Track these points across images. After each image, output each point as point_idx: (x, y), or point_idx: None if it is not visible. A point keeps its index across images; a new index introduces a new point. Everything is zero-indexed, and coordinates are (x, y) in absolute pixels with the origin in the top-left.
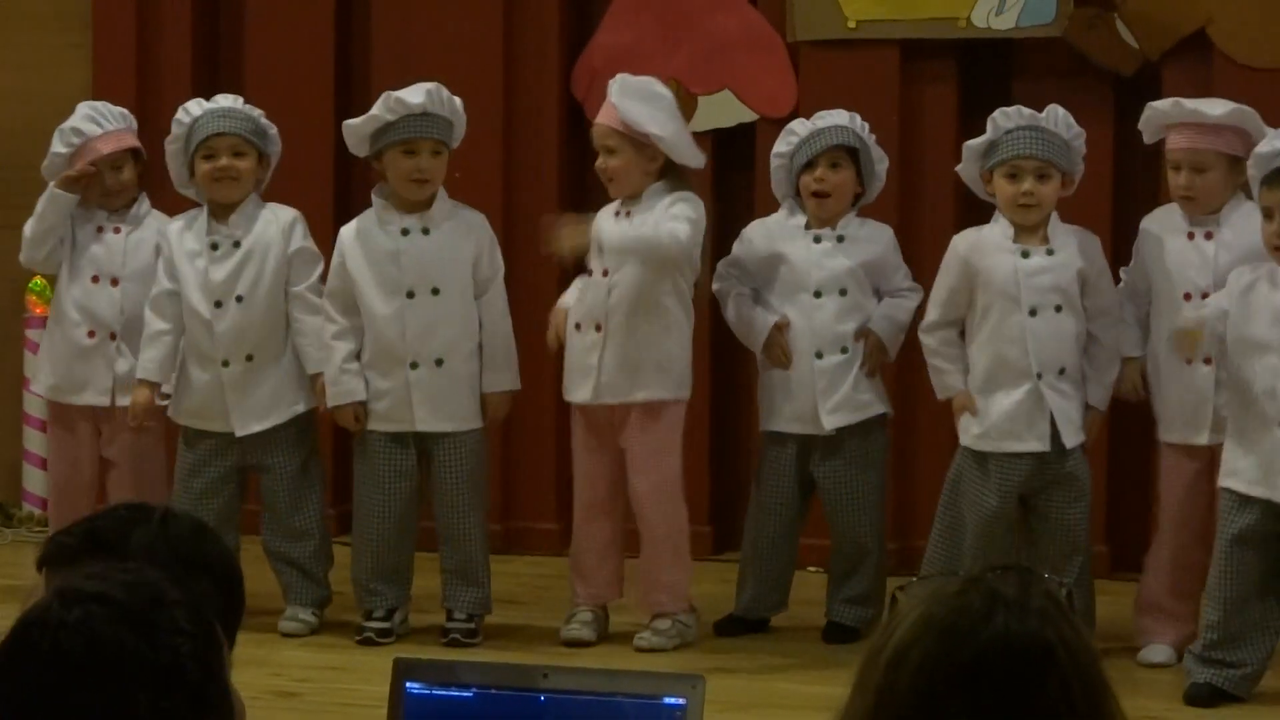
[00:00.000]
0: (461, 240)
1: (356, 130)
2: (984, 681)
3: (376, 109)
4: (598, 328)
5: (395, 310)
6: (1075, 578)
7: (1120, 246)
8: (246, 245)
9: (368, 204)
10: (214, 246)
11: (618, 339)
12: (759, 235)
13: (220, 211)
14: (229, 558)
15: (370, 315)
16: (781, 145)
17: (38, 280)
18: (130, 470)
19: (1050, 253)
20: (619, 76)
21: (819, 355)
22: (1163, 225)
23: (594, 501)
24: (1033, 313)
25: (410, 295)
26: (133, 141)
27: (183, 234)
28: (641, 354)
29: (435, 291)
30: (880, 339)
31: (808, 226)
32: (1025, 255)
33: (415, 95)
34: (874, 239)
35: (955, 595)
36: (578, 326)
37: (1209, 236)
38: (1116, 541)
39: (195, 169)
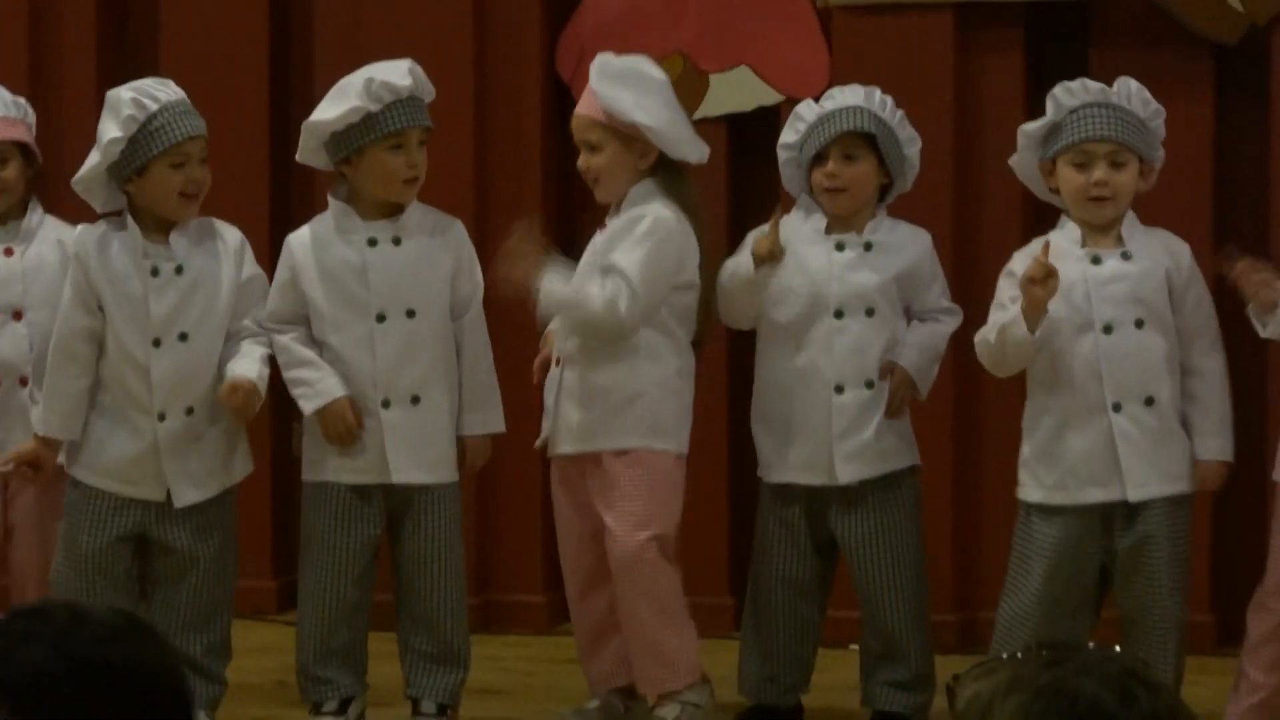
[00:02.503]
0: (439, 252)
1: (327, 127)
2: None
3: (358, 99)
4: (558, 361)
5: (362, 336)
6: (1165, 653)
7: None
8: (191, 272)
9: (308, 215)
10: (154, 272)
11: (574, 374)
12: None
13: (154, 228)
14: (170, 671)
15: (330, 343)
16: (788, 134)
17: None
18: (34, 535)
19: (1126, 256)
20: (600, 57)
21: (839, 389)
22: None
23: (583, 570)
24: (1108, 329)
25: (381, 318)
26: (23, 134)
27: (103, 251)
28: (603, 394)
29: (410, 314)
30: (909, 374)
31: (829, 231)
32: (1096, 261)
33: (400, 76)
34: (908, 245)
35: (1047, 694)
36: (556, 360)
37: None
38: (1224, 610)
39: (151, 177)
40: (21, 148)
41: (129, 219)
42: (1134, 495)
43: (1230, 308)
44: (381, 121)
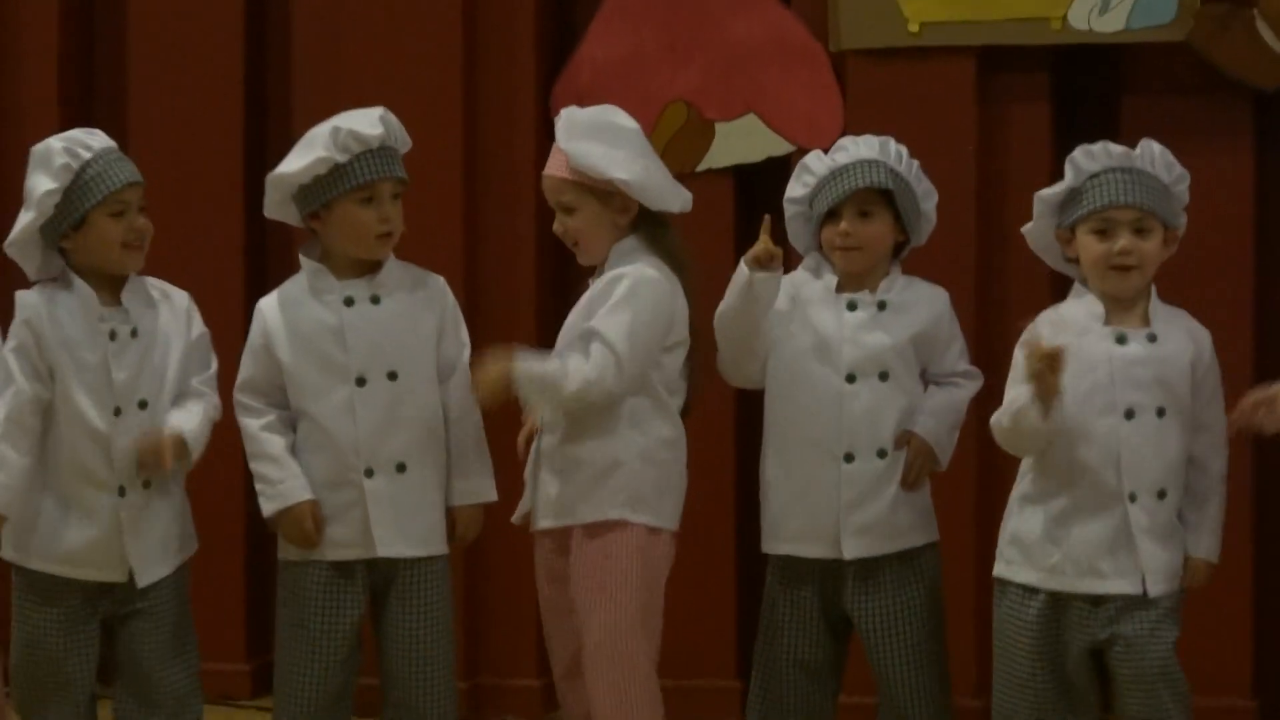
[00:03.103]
0: (421, 310)
1: (293, 180)
2: None
3: (323, 149)
4: (539, 429)
5: (342, 402)
6: None
7: (1268, 316)
8: (145, 335)
9: (286, 274)
10: (112, 336)
11: (554, 443)
12: (778, 299)
13: (101, 288)
14: None
15: (308, 412)
16: (795, 187)
17: None
18: None
19: (1153, 338)
20: (564, 112)
21: (849, 458)
22: None
23: (567, 652)
24: (1129, 415)
25: (361, 382)
26: None
27: (52, 315)
28: (581, 464)
29: (392, 376)
30: (927, 443)
31: (840, 289)
32: (1121, 340)
33: (370, 125)
34: (925, 305)
35: None
36: (538, 430)
37: None
38: (1266, 695)
39: (91, 228)
40: None
41: (74, 279)
42: (1154, 590)
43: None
44: (350, 173)
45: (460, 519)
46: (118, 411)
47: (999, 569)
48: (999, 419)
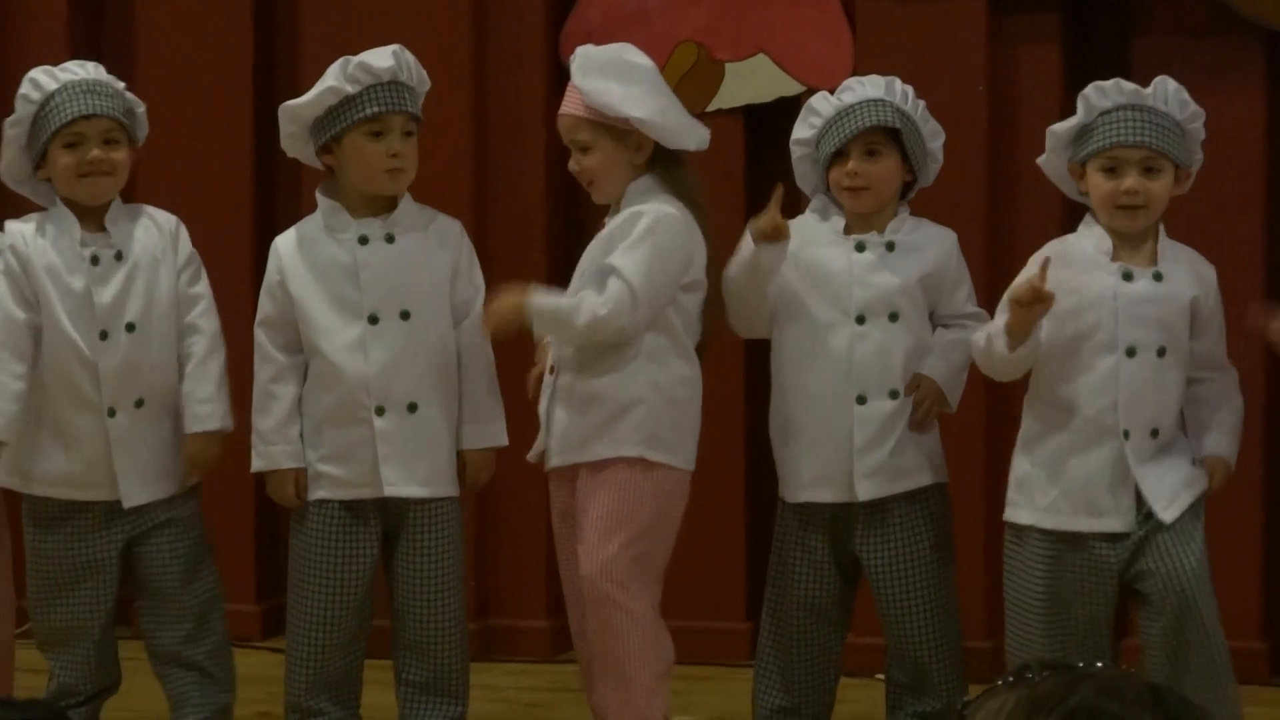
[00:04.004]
0: (435, 251)
1: (302, 112)
2: None
3: (332, 79)
4: (552, 369)
5: (355, 339)
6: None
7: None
8: (131, 258)
9: (297, 216)
10: (94, 260)
11: (568, 381)
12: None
13: (84, 216)
14: None
15: (320, 349)
16: (801, 129)
17: None
18: None
19: (1159, 277)
20: (579, 50)
21: (861, 400)
22: None
23: (579, 596)
24: (1130, 353)
25: (373, 320)
26: None
27: (36, 243)
28: (597, 401)
29: (405, 315)
30: (937, 385)
31: (848, 231)
32: (1128, 277)
33: (381, 59)
34: (933, 245)
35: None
36: (551, 368)
37: None
38: (1277, 637)
39: (50, 161)
40: None
41: (60, 208)
42: (1169, 515)
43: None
44: (359, 104)
45: (471, 463)
46: (104, 335)
47: (1007, 513)
48: (977, 337)
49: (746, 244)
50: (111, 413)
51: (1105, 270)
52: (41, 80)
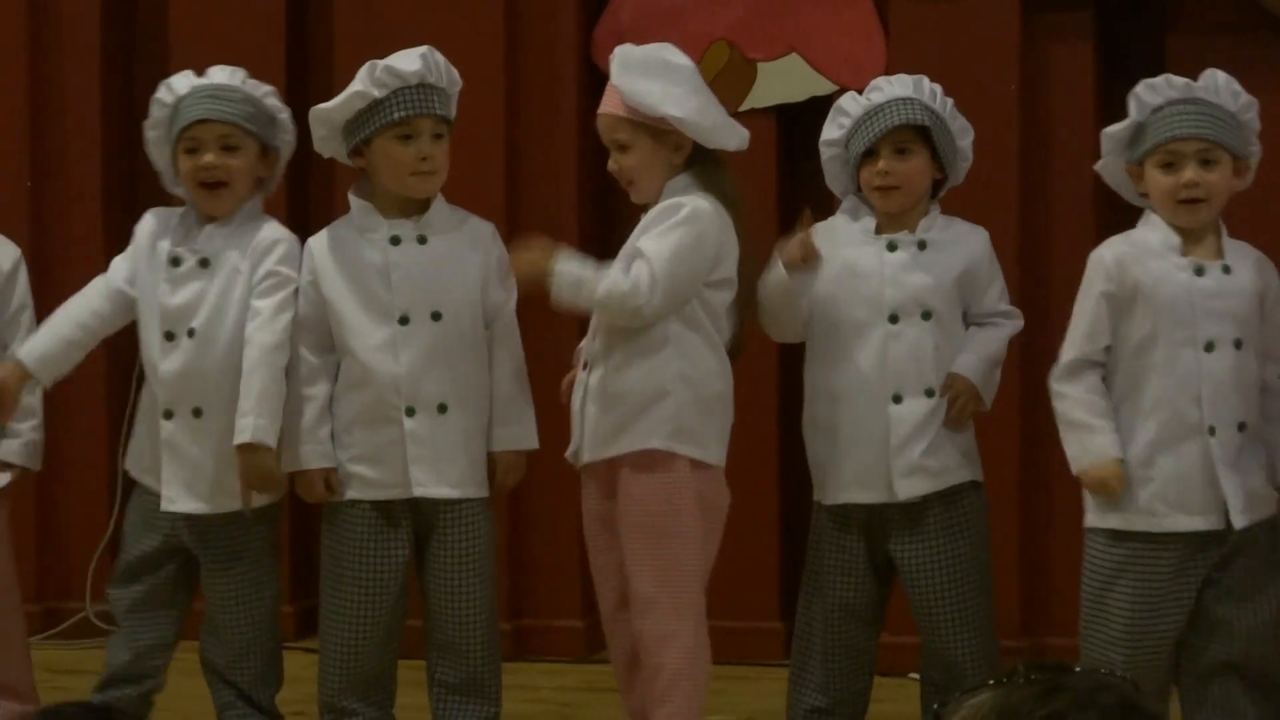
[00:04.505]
0: (467, 252)
1: (332, 115)
2: None
3: (359, 84)
4: (586, 364)
5: (385, 340)
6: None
7: None
8: (216, 267)
9: (330, 217)
10: (175, 261)
11: (599, 376)
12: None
13: (204, 219)
14: None
15: (351, 349)
16: (831, 130)
17: None
18: None
19: (1228, 270)
20: (618, 50)
21: (896, 399)
22: None
23: (615, 589)
24: (1209, 348)
25: (404, 321)
26: None
27: (156, 237)
28: (626, 394)
29: (436, 316)
30: (972, 383)
31: (879, 231)
32: (1199, 272)
33: (409, 62)
34: (965, 244)
35: None
36: (584, 364)
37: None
38: None
39: (177, 165)
40: None
41: (187, 206)
42: (1239, 521)
43: None
44: (386, 109)
45: (501, 464)
46: (169, 336)
47: (1088, 519)
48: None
49: (778, 264)
50: (168, 415)
51: (1175, 265)
52: (174, 84)
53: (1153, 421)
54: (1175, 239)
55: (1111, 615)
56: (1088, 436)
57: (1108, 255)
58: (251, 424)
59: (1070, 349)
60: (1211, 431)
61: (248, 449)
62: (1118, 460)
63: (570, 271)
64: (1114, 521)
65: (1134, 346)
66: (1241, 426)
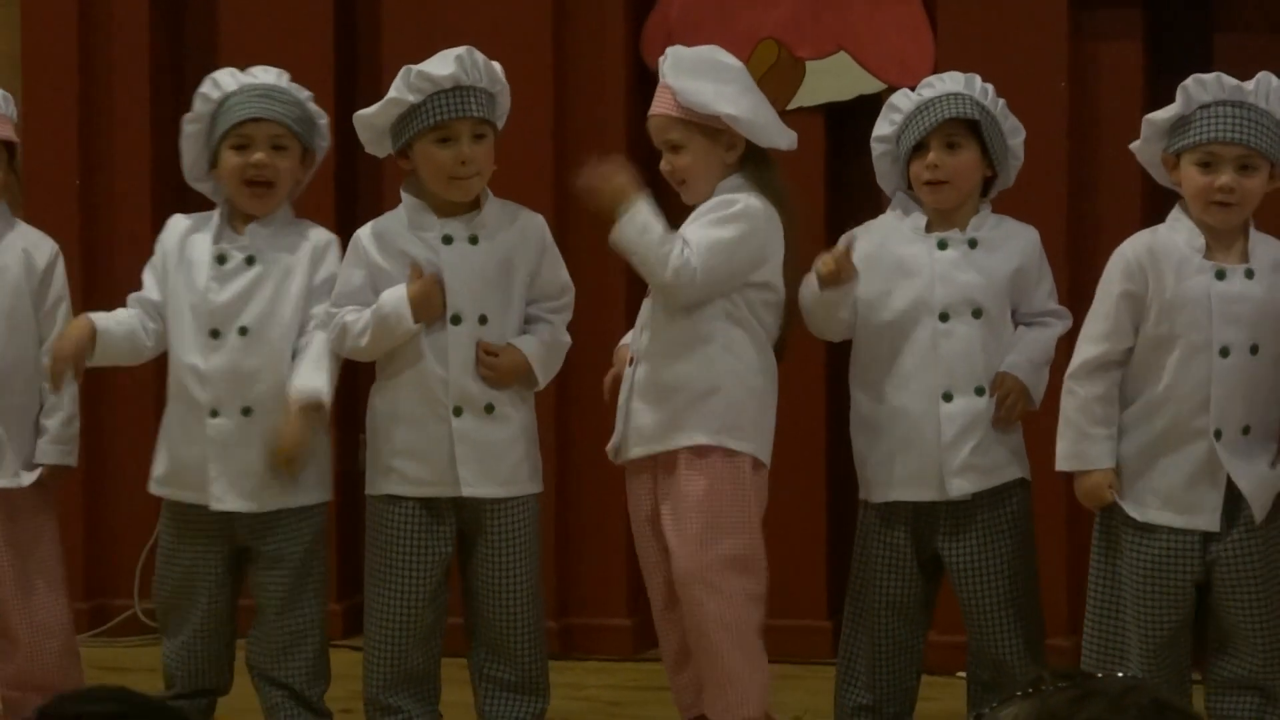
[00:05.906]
0: (517, 250)
1: (372, 121)
2: None
3: (395, 90)
4: (632, 360)
5: (433, 340)
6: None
7: None
8: (263, 264)
9: (375, 213)
10: (220, 259)
11: (646, 370)
12: (864, 243)
13: (239, 217)
14: None
15: (399, 347)
16: (882, 125)
17: None
18: (11, 563)
19: (1250, 275)
20: (669, 51)
21: (947, 397)
22: None
23: (664, 583)
24: (1224, 353)
25: (456, 321)
26: (9, 133)
27: (188, 239)
28: (675, 390)
29: (483, 320)
30: (1021, 382)
31: (929, 229)
32: (1220, 276)
33: (442, 66)
34: (1015, 243)
35: None
36: (630, 359)
37: None
38: None
39: (220, 161)
40: (6, 146)
41: (221, 207)
42: (1260, 515)
43: None
44: (423, 114)
45: (504, 353)
46: (215, 334)
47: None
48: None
49: (813, 286)
50: (214, 414)
51: (1197, 268)
52: (222, 80)
53: (1158, 421)
54: (1199, 240)
55: (1118, 599)
56: (1086, 444)
57: (1130, 253)
58: (325, 387)
59: (1090, 345)
60: (1217, 435)
61: (314, 408)
62: (1111, 471)
63: (645, 213)
64: (1126, 509)
65: (1149, 345)
66: (1247, 430)
